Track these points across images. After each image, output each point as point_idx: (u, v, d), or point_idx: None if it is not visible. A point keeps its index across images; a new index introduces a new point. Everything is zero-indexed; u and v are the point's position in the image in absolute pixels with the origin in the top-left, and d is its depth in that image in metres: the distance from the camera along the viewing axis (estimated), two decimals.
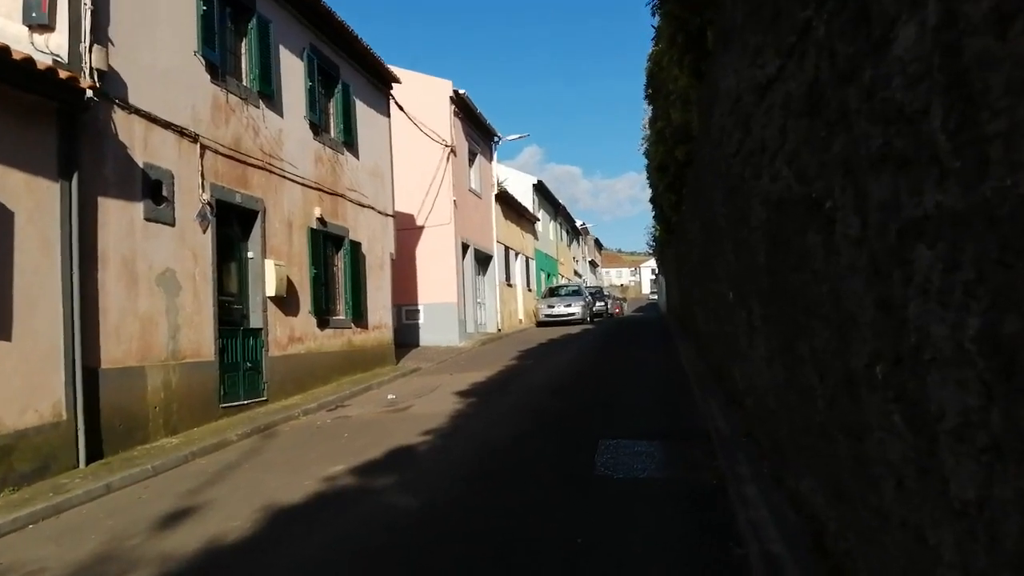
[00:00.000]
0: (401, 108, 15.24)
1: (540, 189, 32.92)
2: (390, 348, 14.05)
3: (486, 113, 21.76)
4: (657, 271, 49.12)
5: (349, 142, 12.70)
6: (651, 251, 39.91)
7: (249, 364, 9.38)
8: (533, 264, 30.80)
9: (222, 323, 8.93)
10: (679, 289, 19.32)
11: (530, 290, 29.52)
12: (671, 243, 19.64)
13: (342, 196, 12.35)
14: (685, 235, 12.93)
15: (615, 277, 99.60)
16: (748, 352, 5.14)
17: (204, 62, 8.79)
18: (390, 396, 10.48)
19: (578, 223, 48.49)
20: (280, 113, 10.52)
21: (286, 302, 10.29)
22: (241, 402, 9.12)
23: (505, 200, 25.09)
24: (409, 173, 18.73)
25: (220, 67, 9.13)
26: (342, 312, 12.31)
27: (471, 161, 21.64)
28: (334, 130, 12.42)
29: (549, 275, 34.93)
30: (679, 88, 9.17)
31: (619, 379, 10.41)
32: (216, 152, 8.96)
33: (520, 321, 27.23)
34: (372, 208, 13.60)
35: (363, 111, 13.45)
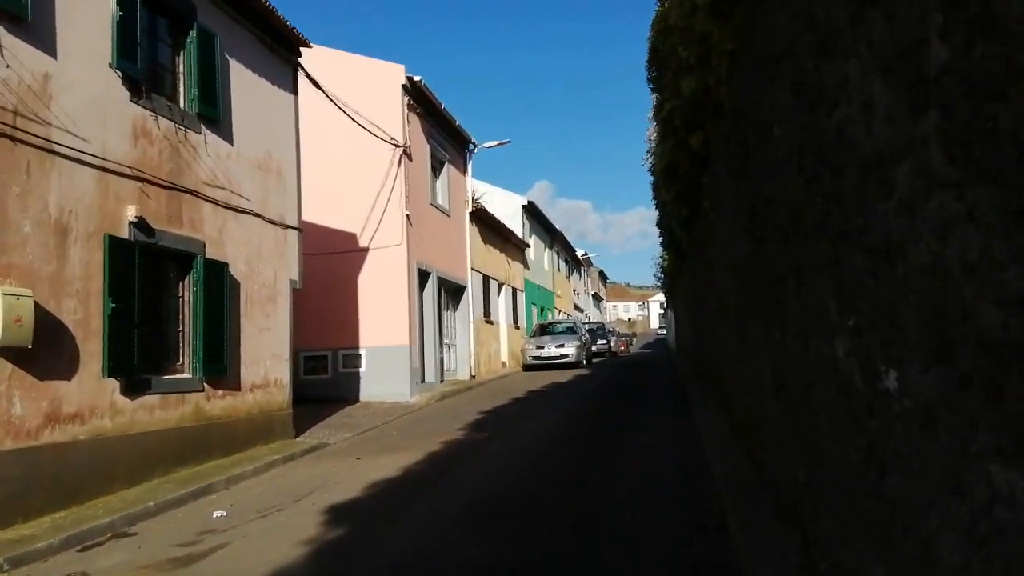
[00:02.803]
0: (315, 83, 11.23)
1: (531, 211, 28.86)
2: (283, 415, 9.80)
3: (479, 131, 17.80)
4: (666, 305, 44.75)
5: (212, 117, 8.68)
6: (659, 284, 35.71)
7: None
8: (522, 297, 26.57)
9: None
10: (693, 326, 15.11)
11: (518, 327, 25.21)
12: (682, 272, 15.63)
13: (193, 193, 8.27)
14: (703, 255, 8.81)
15: (622, 312, 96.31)
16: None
17: None
18: (216, 514, 6.24)
19: (579, 252, 44.34)
20: (49, 50, 6.51)
21: (39, 357, 6.13)
22: None
23: (484, 220, 20.97)
24: (351, 182, 14.75)
25: None
26: (185, 367, 8.12)
27: (436, 171, 17.60)
28: (184, 96, 8.40)
29: (543, 309, 30.63)
30: (696, 34, 5.30)
31: (601, 494, 6.12)
32: None
33: (503, 364, 22.89)
34: (257, 215, 9.51)
35: (244, 77, 9.46)
